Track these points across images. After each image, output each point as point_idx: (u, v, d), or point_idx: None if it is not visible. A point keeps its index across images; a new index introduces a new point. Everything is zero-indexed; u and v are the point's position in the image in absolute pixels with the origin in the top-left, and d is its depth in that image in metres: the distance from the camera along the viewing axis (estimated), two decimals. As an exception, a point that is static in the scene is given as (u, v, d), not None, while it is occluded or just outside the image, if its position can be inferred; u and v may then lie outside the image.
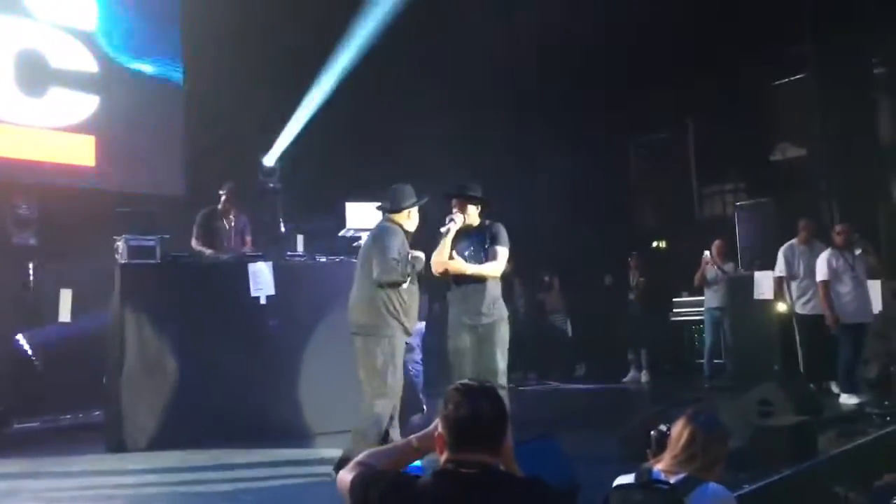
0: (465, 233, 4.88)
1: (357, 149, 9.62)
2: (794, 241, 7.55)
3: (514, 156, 10.42)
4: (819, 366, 7.21)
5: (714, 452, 2.48)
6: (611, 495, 2.53)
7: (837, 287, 6.83)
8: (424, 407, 6.59)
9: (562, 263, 10.67)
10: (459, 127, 9.99)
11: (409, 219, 4.78)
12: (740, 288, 8.40)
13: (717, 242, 8.97)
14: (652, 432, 2.69)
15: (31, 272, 7.71)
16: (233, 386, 5.99)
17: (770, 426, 4.81)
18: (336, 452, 4.50)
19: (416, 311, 4.78)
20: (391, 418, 4.61)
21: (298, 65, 8.79)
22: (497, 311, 4.86)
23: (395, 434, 4.53)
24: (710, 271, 8.90)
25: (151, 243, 6.11)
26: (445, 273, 4.87)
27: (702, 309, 9.27)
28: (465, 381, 2.06)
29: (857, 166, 9.26)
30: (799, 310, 7.39)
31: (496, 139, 10.37)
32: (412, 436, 2.14)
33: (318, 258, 6.84)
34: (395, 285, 4.58)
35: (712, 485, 2.41)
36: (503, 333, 4.86)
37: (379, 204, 4.89)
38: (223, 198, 6.99)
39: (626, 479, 2.52)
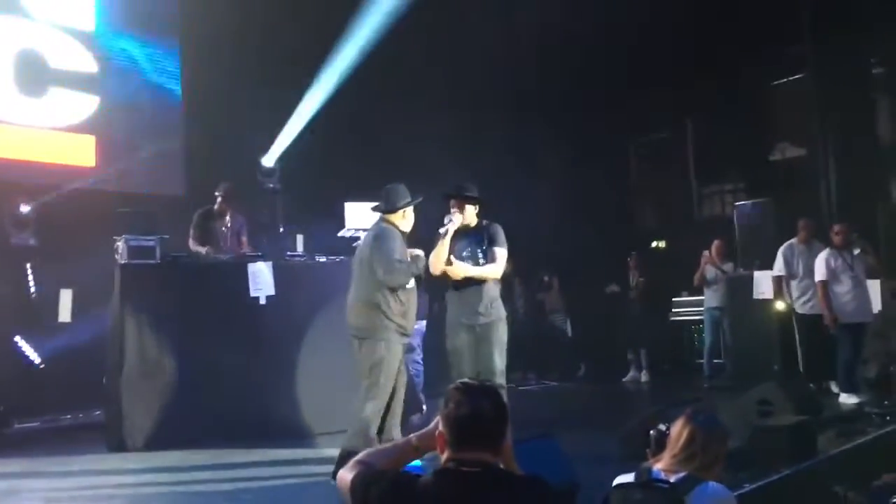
0: (462, 233, 4.88)
1: (356, 149, 9.62)
2: (793, 240, 7.55)
3: (514, 156, 10.42)
4: (818, 365, 7.22)
5: (714, 452, 2.49)
6: (611, 494, 2.54)
7: (836, 287, 6.83)
8: (424, 407, 6.59)
9: (561, 263, 10.67)
10: (459, 127, 9.99)
11: (405, 218, 4.77)
12: (740, 288, 8.41)
13: (716, 242, 8.97)
14: (651, 432, 2.69)
15: (29, 272, 7.71)
16: (233, 386, 6.00)
17: (769, 426, 4.82)
18: (336, 452, 4.51)
19: (414, 312, 4.78)
20: (393, 417, 4.61)
21: (298, 65, 8.79)
22: (495, 311, 4.87)
23: (397, 433, 4.53)
24: (710, 271, 8.91)
25: (151, 243, 6.11)
26: (444, 273, 4.88)
27: (701, 309, 9.27)
28: (466, 380, 2.06)
29: (856, 166, 9.27)
30: (798, 309, 7.39)
31: (496, 139, 10.37)
32: (412, 435, 2.15)
33: (317, 258, 6.85)
34: (402, 286, 4.58)
35: (712, 484, 2.41)
36: (501, 333, 4.87)
37: (375, 204, 4.88)
38: (219, 198, 6.99)
39: (626, 478, 2.52)
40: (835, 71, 9.35)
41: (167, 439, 5.74)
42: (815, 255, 7.06)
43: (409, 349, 6.46)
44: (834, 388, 7.10)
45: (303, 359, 6.36)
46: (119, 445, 5.82)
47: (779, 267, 7.50)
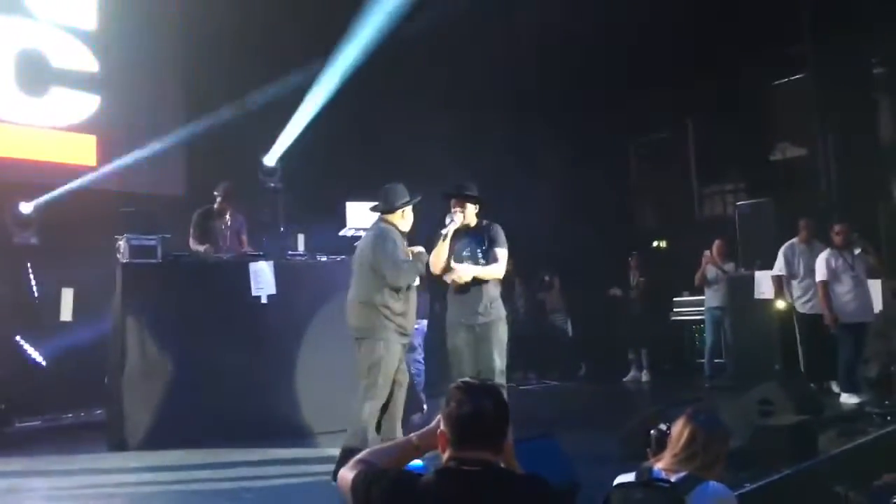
0: (462, 233, 4.88)
1: (358, 149, 9.63)
2: (794, 240, 7.56)
3: (515, 156, 10.42)
4: (819, 365, 7.22)
5: (714, 451, 2.49)
6: (611, 494, 2.54)
7: (836, 287, 6.84)
8: (425, 406, 6.60)
9: (562, 263, 10.67)
10: (460, 127, 9.99)
11: (403, 218, 4.77)
12: (741, 288, 8.41)
13: (717, 242, 8.97)
14: (652, 431, 2.70)
15: (31, 272, 7.72)
16: (234, 385, 6.01)
17: (770, 425, 4.82)
18: (337, 451, 4.52)
19: (414, 311, 4.78)
20: (390, 417, 4.62)
21: (299, 65, 8.79)
22: (494, 310, 4.87)
23: (399, 433, 4.53)
24: (711, 271, 8.91)
25: (153, 243, 6.12)
26: (444, 271, 4.88)
27: (702, 309, 9.28)
28: (467, 379, 2.07)
29: (857, 166, 9.27)
30: (799, 309, 7.40)
31: (496, 139, 10.37)
32: (413, 434, 2.15)
33: (318, 257, 6.85)
34: (410, 285, 4.59)
35: (713, 483, 2.41)
36: (500, 333, 4.87)
37: (373, 204, 4.87)
38: (218, 198, 7.00)
39: (627, 477, 2.53)
40: (835, 71, 9.35)
41: (168, 438, 5.75)
42: (816, 255, 7.06)
43: (411, 349, 6.46)
44: (835, 387, 7.10)
45: (304, 358, 6.37)
46: (120, 444, 5.83)
47: (779, 266, 7.50)
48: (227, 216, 7.04)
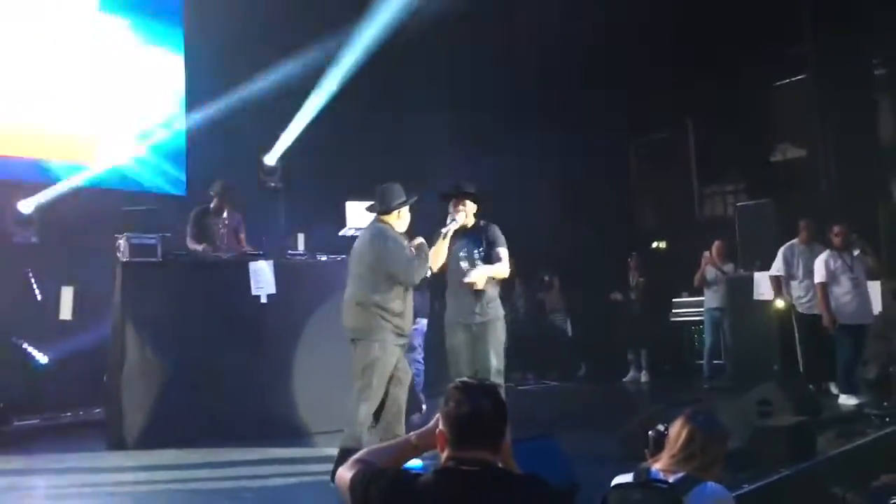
0: (460, 234, 4.87)
1: (358, 148, 9.63)
2: (794, 241, 7.55)
3: (514, 156, 10.43)
4: (818, 366, 7.22)
5: (713, 452, 2.49)
6: (609, 494, 2.54)
7: (835, 288, 6.83)
8: (424, 406, 6.60)
9: (562, 263, 10.67)
10: (460, 126, 9.99)
11: (400, 219, 4.74)
12: (740, 288, 8.41)
13: (716, 243, 8.97)
14: (650, 432, 2.70)
15: (31, 270, 7.72)
16: (233, 384, 6.01)
17: (769, 426, 4.82)
18: (336, 451, 4.52)
19: (411, 311, 4.77)
20: (388, 415, 4.62)
21: (300, 64, 8.79)
22: (492, 310, 4.87)
23: (401, 431, 4.54)
24: (710, 272, 8.91)
25: (153, 241, 6.12)
26: (443, 269, 4.88)
27: (701, 309, 9.27)
28: (466, 379, 2.07)
29: (857, 167, 9.27)
30: (799, 309, 7.40)
31: (496, 139, 10.37)
32: (411, 433, 2.16)
33: (318, 257, 6.85)
34: (422, 278, 4.61)
35: (711, 484, 2.41)
36: (498, 333, 4.87)
37: (369, 204, 4.85)
38: (215, 196, 6.99)
39: (625, 478, 2.53)
40: (836, 71, 9.34)
41: (167, 437, 5.75)
42: (816, 256, 7.06)
43: (411, 348, 6.46)
44: (833, 389, 7.10)
45: (303, 357, 6.37)
46: (119, 443, 5.83)
47: (777, 267, 7.50)
48: (225, 214, 7.04)
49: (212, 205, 7.02)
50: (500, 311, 4.94)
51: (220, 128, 8.43)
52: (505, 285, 5.22)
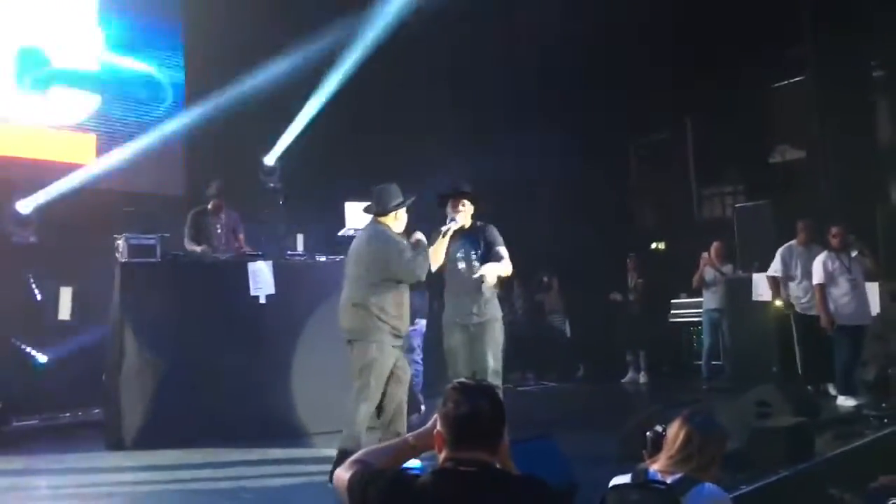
0: (457, 234, 4.87)
1: (357, 149, 9.63)
2: (792, 242, 7.56)
3: (514, 156, 10.43)
4: (817, 367, 7.23)
5: (710, 453, 2.50)
6: (607, 495, 2.55)
7: (833, 289, 6.84)
8: (423, 407, 6.60)
9: (561, 264, 10.67)
10: (459, 127, 9.99)
11: (397, 220, 4.73)
12: (739, 290, 8.41)
13: (715, 244, 8.98)
14: (648, 433, 2.70)
15: (30, 271, 7.71)
16: (232, 385, 6.01)
17: (768, 427, 4.83)
18: (334, 452, 4.52)
19: (408, 312, 4.76)
20: (386, 415, 4.62)
21: (300, 65, 8.79)
22: (489, 310, 4.88)
23: (402, 429, 4.54)
24: (709, 273, 8.91)
25: (152, 242, 6.13)
26: (441, 270, 4.88)
27: (700, 310, 9.28)
28: (464, 379, 2.08)
29: (855, 168, 9.27)
30: (798, 309, 7.40)
31: (496, 139, 10.37)
32: (409, 434, 2.16)
33: (317, 257, 6.85)
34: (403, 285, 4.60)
35: (708, 485, 2.42)
36: (495, 333, 4.87)
37: (366, 205, 4.84)
38: (212, 196, 6.99)
39: (623, 479, 2.53)
40: (835, 73, 9.36)
41: (166, 437, 5.75)
42: (814, 258, 7.06)
43: (410, 349, 6.47)
44: (832, 390, 7.10)
45: (302, 358, 6.36)
46: (117, 443, 5.83)
47: (775, 268, 7.51)
48: (222, 214, 7.03)
49: (209, 205, 7.01)
50: (498, 312, 4.94)
51: (220, 128, 8.43)
52: (504, 286, 5.22)
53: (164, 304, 6.07)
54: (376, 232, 4.67)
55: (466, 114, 10.12)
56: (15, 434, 6.68)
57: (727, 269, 8.88)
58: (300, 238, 7.10)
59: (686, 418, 2.53)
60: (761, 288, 7.91)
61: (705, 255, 8.95)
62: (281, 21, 9.02)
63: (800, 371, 7.39)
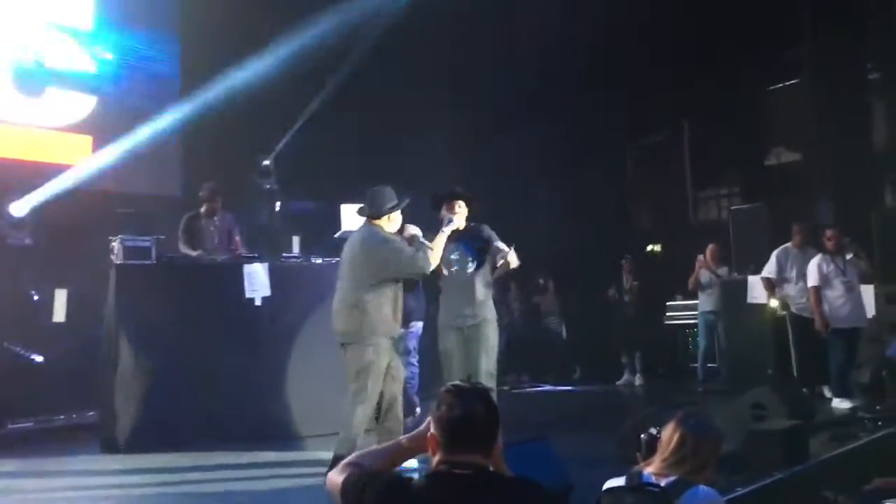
0: (452, 237, 4.87)
1: (354, 150, 9.62)
2: (788, 244, 7.57)
3: (514, 156, 10.44)
4: (812, 370, 7.23)
5: (704, 456, 2.49)
6: (601, 498, 2.54)
7: (828, 292, 6.85)
8: (418, 409, 6.59)
9: (557, 266, 10.68)
10: (459, 127, 9.99)
11: (391, 222, 4.72)
12: (734, 292, 8.42)
13: (711, 246, 8.99)
14: (642, 435, 2.70)
15: (25, 273, 7.69)
16: (227, 387, 5.99)
17: (763, 430, 4.83)
18: (330, 455, 4.51)
19: (401, 313, 4.75)
20: (396, 414, 4.61)
21: (298, 65, 8.78)
22: (483, 312, 4.89)
23: (399, 428, 4.53)
24: (704, 275, 8.92)
25: (147, 244, 6.10)
26: (436, 272, 4.89)
27: (696, 313, 9.28)
28: (458, 382, 2.07)
29: (851, 171, 9.30)
30: (793, 309, 7.41)
31: (495, 140, 10.38)
32: (403, 436, 2.16)
33: (313, 260, 6.84)
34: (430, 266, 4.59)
35: (702, 488, 2.42)
36: (490, 335, 4.87)
37: (360, 207, 4.82)
38: (205, 199, 6.97)
39: (617, 481, 2.53)
40: (831, 76, 9.38)
41: (160, 440, 5.73)
42: (809, 260, 7.08)
43: (406, 351, 6.46)
44: (827, 392, 7.11)
45: (297, 360, 6.34)
46: (112, 446, 5.81)
47: (769, 269, 7.52)
48: (216, 216, 7.01)
49: (202, 208, 6.98)
50: (493, 313, 4.95)
51: (216, 129, 8.42)
52: (500, 288, 5.22)
53: (159, 306, 6.05)
54: (371, 233, 4.66)
55: (466, 114, 10.11)
56: (10, 436, 6.66)
57: (723, 271, 8.90)
58: (296, 240, 7.08)
59: (680, 421, 2.53)
60: (757, 290, 7.93)
61: (701, 257, 8.96)
62: (278, 23, 9.01)
63: (795, 373, 7.40)
